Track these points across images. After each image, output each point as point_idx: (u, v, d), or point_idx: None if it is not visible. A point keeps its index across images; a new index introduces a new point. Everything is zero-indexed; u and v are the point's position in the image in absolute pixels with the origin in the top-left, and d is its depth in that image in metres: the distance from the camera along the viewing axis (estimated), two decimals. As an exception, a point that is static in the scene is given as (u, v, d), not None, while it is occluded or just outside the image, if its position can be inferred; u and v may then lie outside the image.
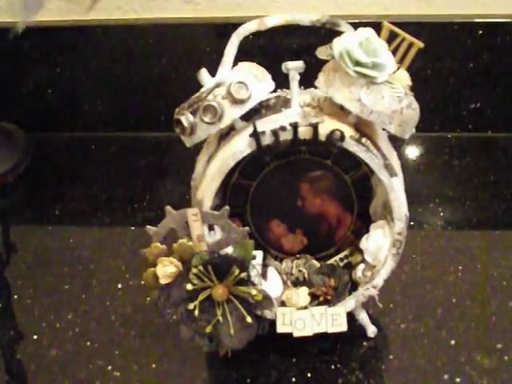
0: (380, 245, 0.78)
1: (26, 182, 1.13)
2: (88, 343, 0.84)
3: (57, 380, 0.81)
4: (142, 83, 1.19)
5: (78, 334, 0.86)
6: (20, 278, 0.94)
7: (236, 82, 0.71)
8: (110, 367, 0.81)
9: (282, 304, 0.80)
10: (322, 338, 0.79)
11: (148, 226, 0.72)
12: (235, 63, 0.75)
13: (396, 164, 0.76)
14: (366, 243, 0.79)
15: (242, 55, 0.75)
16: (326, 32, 0.74)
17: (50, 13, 1.17)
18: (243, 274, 0.71)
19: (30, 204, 1.09)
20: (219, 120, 0.71)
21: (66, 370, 0.81)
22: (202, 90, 0.73)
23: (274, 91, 0.76)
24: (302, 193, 0.79)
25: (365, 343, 0.83)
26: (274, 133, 0.71)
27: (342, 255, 0.83)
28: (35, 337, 0.86)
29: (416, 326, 0.84)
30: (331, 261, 0.83)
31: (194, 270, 0.70)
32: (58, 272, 0.95)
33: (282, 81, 0.75)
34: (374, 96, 0.70)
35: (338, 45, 0.70)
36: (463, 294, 0.88)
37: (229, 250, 0.72)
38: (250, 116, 0.74)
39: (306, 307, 0.79)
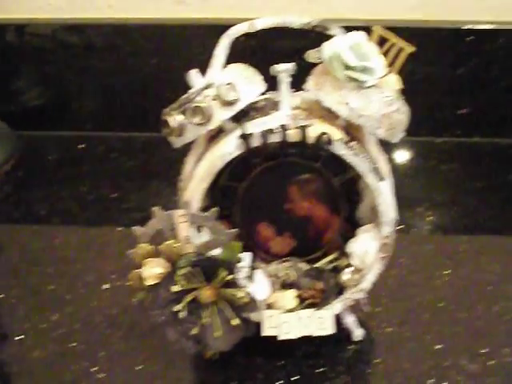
0: (367, 248, 0.78)
1: (13, 181, 1.13)
2: (73, 344, 0.84)
3: (40, 381, 0.80)
4: (132, 83, 1.19)
5: (63, 334, 0.85)
6: (5, 278, 0.94)
7: (225, 83, 0.71)
8: (95, 368, 0.81)
9: (269, 306, 0.79)
10: (308, 341, 0.79)
11: (135, 227, 0.72)
12: (225, 65, 0.74)
13: (384, 168, 0.77)
14: (353, 247, 0.79)
15: (233, 57, 0.75)
16: (316, 35, 0.74)
17: (40, 10, 1.17)
18: (230, 276, 0.70)
19: (16, 203, 1.09)
20: (208, 121, 0.71)
21: (51, 372, 0.81)
22: (191, 91, 0.72)
23: (264, 93, 0.76)
24: (290, 195, 0.79)
25: (351, 347, 0.82)
26: (263, 135, 0.71)
27: (329, 258, 0.83)
28: (19, 337, 0.85)
29: (402, 329, 0.84)
30: (319, 264, 0.83)
31: (181, 272, 0.70)
32: (43, 272, 0.94)
33: (271, 83, 0.75)
34: (364, 100, 0.70)
35: (328, 48, 0.70)
36: (450, 299, 0.88)
37: (216, 251, 0.72)
38: (239, 118, 0.74)
39: (292, 310, 0.79)
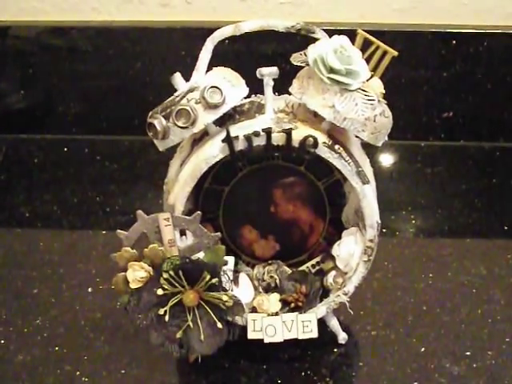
0: (352, 252, 0.78)
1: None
2: (56, 348, 0.83)
3: (24, 385, 0.80)
4: (116, 86, 1.18)
5: (47, 338, 0.85)
6: (-12, 281, 0.94)
7: (210, 86, 0.71)
8: (78, 372, 0.80)
9: (253, 310, 0.79)
10: (292, 344, 0.79)
11: (119, 230, 0.72)
12: (209, 68, 0.74)
13: (369, 171, 0.77)
14: (337, 250, 0.79)
15: (217, 60, 0.75)
16: (300, 38, 0.74)
17: (23, 13, 1.16)
18: (214, 280, 0.70)
19: (-1, 206, 1.08)
20: (192, 124, 0.71)
21: (34, 376, 0.80)
22: (176, 94, 0.72)
23: (248, 97, 0.76)
24: (274, 199, 0.79)
25: (335, 350, 0.83)
26: (248, 138, 0.71)
27: (313, 262, 0.83)
28: (2, 341, 0.84)
29: (386, 332, 0.85)
30: (303, 267, 0.83)
31: (165, 275, 0.70)
32: (26, 275, 0.94)
33: (256, 86, 0.75)
34: (348, 103, 0.70)
35: (313, 51, 0.71)
36: (433, 302, 0.89)
37: (200, 255, 0.72)
38: (223, 121, 0.74)
39: (276, 313, 0.79)
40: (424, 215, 1.05)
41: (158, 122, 0.71)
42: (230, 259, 0.76)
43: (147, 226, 0.71)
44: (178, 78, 0.73)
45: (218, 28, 0.75)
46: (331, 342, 0.83)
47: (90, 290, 0.91)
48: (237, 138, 0.71)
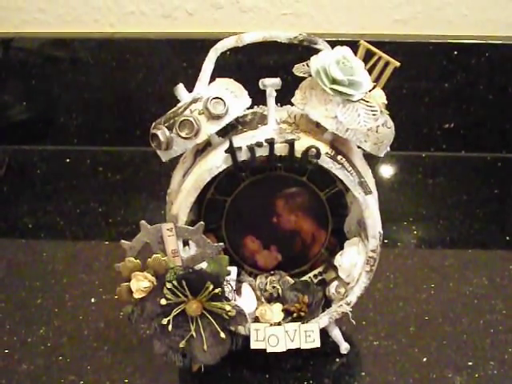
0: (354, 262, 0.78)
1: None
2: (60, 358, 0.84)
3: (27, 395, 0.80)
4: (118, 97, 1.19)
5: (50, 348, 0.85)
6: (-9, 291, 0.94)
7: (213, 97, 0.71)
8: (81, 382, 0.80)
9: (256, 320, 0.79)
10: (295, 354, 0.79)
11: (122, 241, 0.72)
12: (212, 79, 0.75)
13: (371, 182, 0.77)
14: (340, 260, 0.79)
15: (219, 71, 0.75)
16: (303, 49, 0.75)
17: (26, 25, 1.17)
18: (217, 290, 0.70)
19: (2, 217, 1.08)
20: (195, 135, 0.71)
21: (37, 385, 0.81)
22: (179, 105, 0.73)
23: (251, 107, 0.76)
24: (277, 209, 0.79)
25: (337, 360, 0.83)
26: (250, 149, 0.71)
27: (316, 272, 0.83)
28: (6, 351, 0.85)
29: (388, 342, 0.85)
30: (305, 277, 0.83)
31: (168, 285, 0.70)
32: (30, 286, 0.94)
33: (258, 97, 0.75)
34: (350, 114, 0.70)
35: (315, 62, 0.71)
36: (435, 312, 0.89)
37: (203, 265, 0.72)
38: (226, 132, 0.74)
39: (279, 323, 0.79)
40: (425, 226, 1.05)
41: (162, 133, 0.72)
42: (233, 269, 0.76)
43: (150, 236, 0.72)
44: (180, 89, 0.74)
45: (220, 39, 0.75)
46: (333, 351, 0.83)
47: (93, 300, 0.91)
48: (240, 148, 0.72)
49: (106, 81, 1.18)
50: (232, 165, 0.72)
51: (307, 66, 0.72)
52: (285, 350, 0.78)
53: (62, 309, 0.90)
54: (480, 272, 0.95)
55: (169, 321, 0.71)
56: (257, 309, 0.80)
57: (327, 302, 0.81)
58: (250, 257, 0.82)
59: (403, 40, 1.12)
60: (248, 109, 0.76)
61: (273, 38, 0.75)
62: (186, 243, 0.74)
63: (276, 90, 0.73)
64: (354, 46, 0.74)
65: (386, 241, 0.87)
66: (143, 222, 0.72)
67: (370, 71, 0.73)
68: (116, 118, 1.21)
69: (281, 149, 0.72)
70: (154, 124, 0.73)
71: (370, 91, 0.73)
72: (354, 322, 0.81)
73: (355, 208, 0.78)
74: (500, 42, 1.12)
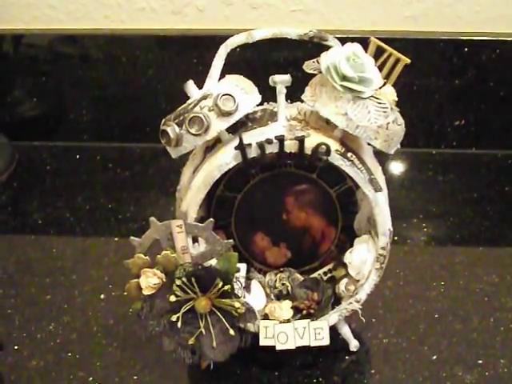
0: (364, 259, 0.78)
1: (10, 191, 1.13)
2: (69, 354, 0.84)
3: (37, 391, 0.81)
4: (129, 93, 1.19)
5: (59, 344, 0.85)
6: (1, 288, 0.94)
7: (223, 94, 0.71)
8: (91, 378, 0.80)
9: (265, 317, 0.79)
10: (304, 351, 0.79)
11: (132, 237, 0.72)
12: (222, 75, 0.75)
13: (381, 179, 0.77)
14: (349, 257, 0.79)
15: (230, 68, 0.75)
16: (313, 46, 0.75)
17: (36, 21, 1.17)
18: (227, 287, 0.70)
19: (12, 213, 1.09)
20: (205, 132, 0.71)
21: (47, 381, 0.80)
22: (189, 101, 0.73)
23: (261, 104, 0.76)
24: (286, 206, 0.79)
25: (347, 357, 0.82)
26: (260, 146, 0.71)
27: (325, 269, 0.83)
28: (16, 347, 0.85)
29: (398, 340, 0.84)
30: (315, 274, 0.83)
31: (178, 282, 0.70)
32: (39, 282, 0.94)
33: (268, 94, 0.75)
34: (360, 111, 0.70)
35: (326, 59, 0.71)
36: (445, 310, 0.88)
37: (213, 262, 0.72)
38: (236, 128, 0.74)
39: (288, 321, 0.79)
40: (436, 223, 1.04)
41: (171, 130, 0.72)
42: (242, 266, 0.76)
43: (160, 232, 0.72)
44: (190, 86, 0.74)
45: (230, 36, 0.75)
46: (343, 349, 0.83)
47: (102, 296, 0.91)
48: (249, 145, 0.71)
49: (116, 77, 1.18)
50: (242, 162, 0.72)
51: (317, 62, 0.72)
52: (294, 347, 0.78)
53: (71, 305, 0.90)
54: (490, 270, 0.94)
55: (178, 317, 0.70)
56: (266, 306, 0.80)
57: (337, 300, 0.81)
58: (260, 254, 0.82)
59: (414, 37, 1.11)
60: (258, 105, 0.76)
61: (283, 34, 0.74)
62: (195, 240, 0.74)
63: (286, 87, 0.73)
64: (364, 42, 0.74)
65: (395, 238, 0.87)
66: (153, 218, 0.72)
67: (380, 68, 0.73)
68: (126, 114, 1.21)
69: (291, 146, 0.72)
70: (163, 120, 0.73)
71: (380, 88, 0.72)
72: (364, 320, 0.81)
73: (365, 205, 0.78)
74: (511, 38, 1.12)
